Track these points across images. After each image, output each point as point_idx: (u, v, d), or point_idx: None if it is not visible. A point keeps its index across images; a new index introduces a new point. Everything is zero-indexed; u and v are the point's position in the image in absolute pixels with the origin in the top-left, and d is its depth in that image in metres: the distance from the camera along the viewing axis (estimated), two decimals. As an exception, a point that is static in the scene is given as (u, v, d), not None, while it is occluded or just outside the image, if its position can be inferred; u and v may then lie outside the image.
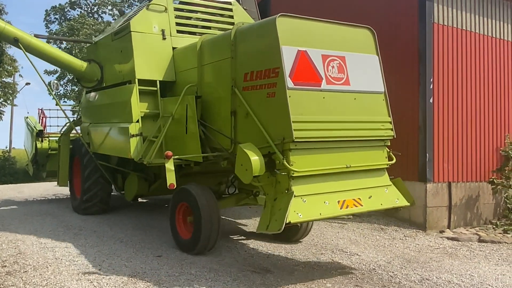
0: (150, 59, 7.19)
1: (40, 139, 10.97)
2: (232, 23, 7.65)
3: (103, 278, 5.34)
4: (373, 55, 5.99)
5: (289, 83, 5.13)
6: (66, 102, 31.77)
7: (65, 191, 12.13)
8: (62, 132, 10.42)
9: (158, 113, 7.03)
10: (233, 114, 5.90)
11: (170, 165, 5.84)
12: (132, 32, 7.17)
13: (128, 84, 7.28)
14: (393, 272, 5.76)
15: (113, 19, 33.49)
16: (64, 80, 33.28)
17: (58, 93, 32.56)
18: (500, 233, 8.22)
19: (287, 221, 4.70)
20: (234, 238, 7.44)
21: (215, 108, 6.37)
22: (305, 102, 5.25)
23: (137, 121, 6.90)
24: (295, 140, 5.02)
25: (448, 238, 7.81)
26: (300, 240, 7.17)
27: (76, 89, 32.04)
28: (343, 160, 5.45)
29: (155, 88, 7.10)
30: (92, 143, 8.56)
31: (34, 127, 11.19)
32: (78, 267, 5.73)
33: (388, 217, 8.83)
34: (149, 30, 7.26)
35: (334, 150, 5.41)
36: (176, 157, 6.15)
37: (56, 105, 12.28)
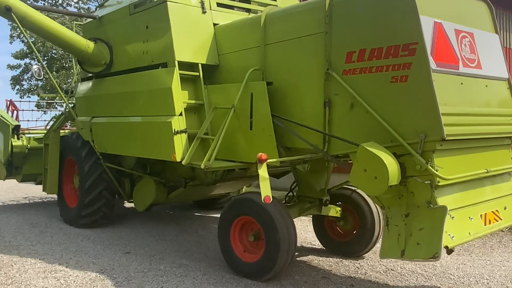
0: (190, 37, 5.81)
1: (16, 136, 9.07)
2: None
3: (70, 275, 5.28)
4: (494, 34, 5.04)
5: (432, 63, 4.02)
6: (30, 97, 30.82)
7: (32, 188, 11.83)
8: (49, 128, 8.60)
9: (200, 105, 5.77)
10: (327, 105, 4.70)
11: (264, 172, 4.54)
12: (168, 3, 5.72)
13: (162, 68, 5.85)
14: (359, 263, 5.89)
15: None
16: (28, 75, 32.37)
17: (22, 89, 31.60)
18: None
19: (444, 246, 3.77)
20: (204, 233, 7.46)
21: (292, 97, 5.12)
22: (447, 89, 4.19)
23: (180, 114, 5.55)
24: (446, 138, 3.92)
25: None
26: (364, 255, 6.18)
27: (40, 84, 31.15)
28: (481, 163, 4.50)
29: (197, 73, 5.78)
30: (100, 142, 7.07)
31: (7, 121, 9.19)
32: (44, 265, 5.64)
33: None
34: (187, 1, 5.91)
35: (473, 150, 4.44)
36: (273, 160, 4.86)
37: (55, 91, 10.69)
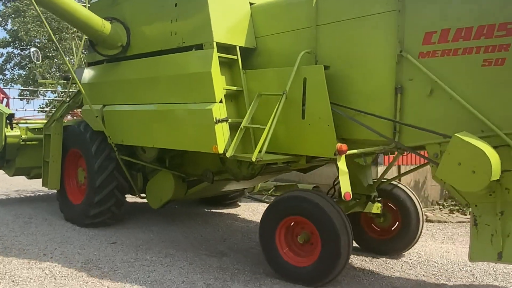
0: (227, 17, 5.24)
1: (9, 126, 8.22)
2: None
3: (55, 266, 5.23)
4: None
5: None
6: (13, 86, 30.28)
7: (17, 180, 11.66)
8: (50, 117, 7.79)
9: (237, 92, 5.25)
10: (399, 91, 4.27)
11: (343, 165, 4.14)
12: None
13: (196, 50, 5.24)
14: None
15: None
16: (10, 64, 31.82)
17: (4, 78, 31.06)
18: (446, 214, 8.62)
19: None
20: (191, 223, 7.44)
21: (353, 83, 4.64)
22: None
23: (221, 101, 4.98)
24: None
25: (397, 219, 8.12)
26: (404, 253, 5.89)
27: (24, 73, 30.66)
28: None
29: (235, 57, 5.21)
30: (115, 132, 6.39)
31: (0, 110, 8.35)
32: (29, 256, 5.58)
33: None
34: None
35: None
36: (354, 151, 4.47)
37: (66, 73, 8.64)
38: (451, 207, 8.98)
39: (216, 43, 5.03)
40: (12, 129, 8.20)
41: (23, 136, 8.31)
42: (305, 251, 4.74)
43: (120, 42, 6.12)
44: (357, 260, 5.62)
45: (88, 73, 6.86)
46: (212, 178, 6.09)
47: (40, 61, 7.58)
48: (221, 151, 4.90)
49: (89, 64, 6.93)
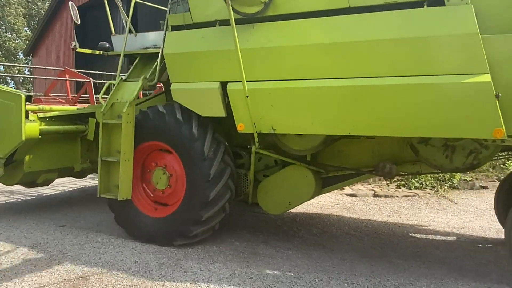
0: None
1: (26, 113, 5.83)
2: None
3: (0, 251, 5.06)
4: None
5: None
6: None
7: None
8: (108, 99, 5.50)
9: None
10: None
11: None
12: None
13: (428, 6, 4.05)
14: (297, 227, 6.08)
15: None
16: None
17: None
18: (393, 189, 8.96)
19: None
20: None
21: None
22: None
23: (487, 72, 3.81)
24: None
25: (347, 195, 8.38)
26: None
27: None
28: None
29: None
30: (259, 117, 4.70)
31: (14, 91, 5.90)
32: (-29, 242, 5.37)
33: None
34: None
35: None
36: None
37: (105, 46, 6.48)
38: (398, 182, 9.35)
39: None
40: (27, 117, 5.86)
41: (41, 127, 6.00)
42: None
43: None
44: (308, 235, 5.76)
45: (178, 40, 5.16)
46: (394, 172, 5.00)
47: (79, 21, 5.91)
48: (504, 136, 3.85)
49: (176, 28, 5.26)
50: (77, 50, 5.96)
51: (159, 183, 5.44)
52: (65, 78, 9.11)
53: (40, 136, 5.88)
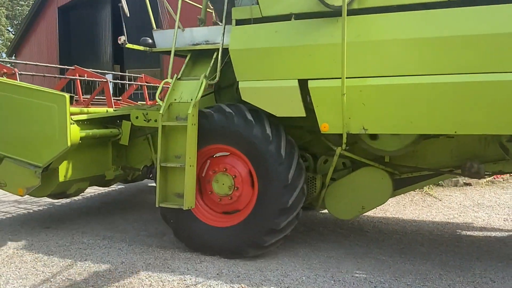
0: None
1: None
2: None
3: (-16, 254, 5.01)
4: None
5: None
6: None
7: None
8: (166, 99, 4.95)
9: None
10: None
11: None
12: None
13: None
14: (283, 227, 6.10)
15: None
16: None
17: None
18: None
19: None
20: (128, 205, 7.34)
21: None
22: None
23: None
24: None
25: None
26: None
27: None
28: None
29: None
30: (353, 117, 4.34)
31: (54, 92, 5.32)
32: (-46, 245, 5.29)
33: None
34: None
35: None
36: None
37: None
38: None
39: None
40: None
41: (83, 132, 5.36)
42: None
43: None
44: (294, 233, 5.80)
45: (246, 35, 4.73)
46: (482, 172, 4.72)
47: (128, 15, 5.22)
48: None
49: (241, 22, 4.81)
50: (126, 46, 5.36)
51: (222, 189, 4.93)
52: (75, 77, 7.84)
53: (80, 142, 5.24)
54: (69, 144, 4.96)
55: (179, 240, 5.12)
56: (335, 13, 4.24)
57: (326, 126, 4.45)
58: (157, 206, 4.78)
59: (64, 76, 7.61)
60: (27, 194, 5.27)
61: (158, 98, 5.04)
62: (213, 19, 6.16)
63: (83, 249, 5.14)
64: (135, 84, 8.94)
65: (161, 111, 4.80)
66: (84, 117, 5.55)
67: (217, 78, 4.98)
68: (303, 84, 4.43)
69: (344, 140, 4.51)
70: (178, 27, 5.30)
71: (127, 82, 9.99)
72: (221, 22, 5.16)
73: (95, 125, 5.68)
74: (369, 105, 4.25)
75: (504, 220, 6.33)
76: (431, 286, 4.11)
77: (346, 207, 5.10)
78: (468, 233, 5.78)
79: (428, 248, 5.19)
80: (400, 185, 5.19)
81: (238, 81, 4.77)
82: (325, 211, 6.98)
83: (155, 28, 5.63)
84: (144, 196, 7.99)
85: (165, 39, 5.46)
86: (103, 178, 6.08)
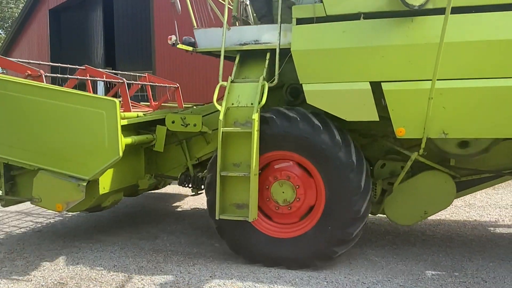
0: None
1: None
2: None
3: (-25, 258, 4.96)
4: None
5: None
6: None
7: None
8: (226, 102, 4.66)
9: None
10: None
11: None
12: None
13: None
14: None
15: None
16: None
17: None
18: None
19: None
20: (120, 208, 7.31)
21: None
22: None
23: None
24: None
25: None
26: None
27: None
28: None
29: None
30: (434, 121, 4.16)
31: (101, 96, 5.27)
32: None
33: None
34: None
35: None
36: None
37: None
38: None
39: None
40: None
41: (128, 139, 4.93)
42: None
43: None
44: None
45: (310, 35, 4.45)
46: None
47: (181, 12, 4.93)
48: None
49: (302, 22, 4.51)
50: (177, 47, 5.04)
51: (283, 198, 4.65)
52: (85, 78, 7.05)
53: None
54: (120, 154, 4.50)
55: (235, 253, 4.78)
56: (410, 12, 4.05)
57: (402, 130, 4.24)
58: (217, 218, 4.47)
59: (75, 77, 7.04)
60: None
61: (216, 102, 4.66)
62: (235, 13, 5.60)
63: (75, 253, 5.11)
64: (135, 83, 8.53)
65: (220, 117, 4.50)
66: (124, 122, 4.95)
67: (276, 81, 4.70)
68: (375, 86, 4.22)
69: (423, 145, 4.33)
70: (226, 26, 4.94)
71: (127, 82, 9.75)
72: (259, 20, 5.00)
73: (131, 131, 5.19)
74: (450, 108, 4.09)
75: (495, 221, 6.38)
76: (424, 287, 4.13)
77: (407, 212, 4.91)
78: (460, 233, 5.81)
79: (420, 248, 5.21)
80: (461, 188, 5.06)
81: (291, 83, 4.68)
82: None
83: (196, 27, 5.29)
84: (135, 200, 7.96)
85: (207, 38, 5.14)
86: (136, 187, 5.71)
